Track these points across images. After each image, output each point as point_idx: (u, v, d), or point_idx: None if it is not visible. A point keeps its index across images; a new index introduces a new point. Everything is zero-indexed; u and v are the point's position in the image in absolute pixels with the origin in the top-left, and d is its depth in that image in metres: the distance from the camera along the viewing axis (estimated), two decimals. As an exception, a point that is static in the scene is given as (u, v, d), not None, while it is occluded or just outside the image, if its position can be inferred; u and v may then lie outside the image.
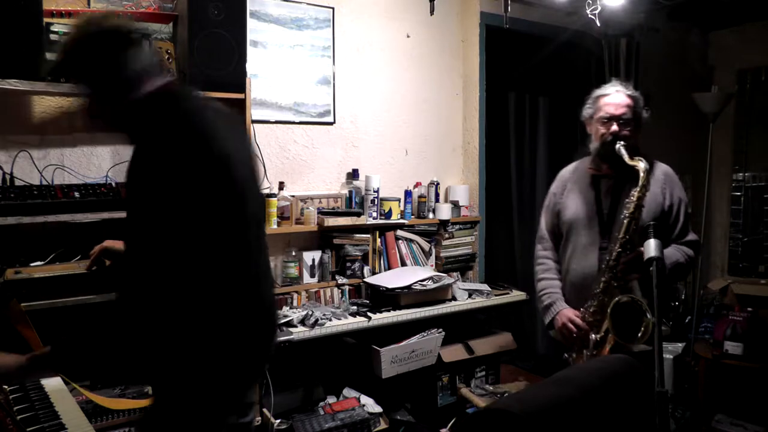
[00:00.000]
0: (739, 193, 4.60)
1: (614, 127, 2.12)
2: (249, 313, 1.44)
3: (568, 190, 2.30)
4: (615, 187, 2.17)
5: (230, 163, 1.36)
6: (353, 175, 3.36)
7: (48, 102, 2.51)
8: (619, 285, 2.04)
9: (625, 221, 2.03)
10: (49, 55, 2.18)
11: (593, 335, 2.08)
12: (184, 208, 1.27)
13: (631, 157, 2.06)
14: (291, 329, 2.69)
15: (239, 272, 1.40)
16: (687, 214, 2.17)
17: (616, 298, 1.98)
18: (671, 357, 3.73)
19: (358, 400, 2.94)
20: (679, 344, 3.88)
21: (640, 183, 2.03)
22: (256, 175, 1.54)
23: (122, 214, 1.34)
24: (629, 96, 2.16)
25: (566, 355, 2.21)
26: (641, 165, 2.03)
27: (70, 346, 1.33)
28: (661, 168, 2.20)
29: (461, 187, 3.73)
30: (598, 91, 2.23)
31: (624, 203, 2.07)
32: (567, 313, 2.18)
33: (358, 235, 3.21)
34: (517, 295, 3.52)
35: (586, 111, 2.25)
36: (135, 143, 1.36)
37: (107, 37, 1.38)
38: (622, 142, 2.09)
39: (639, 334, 1.90)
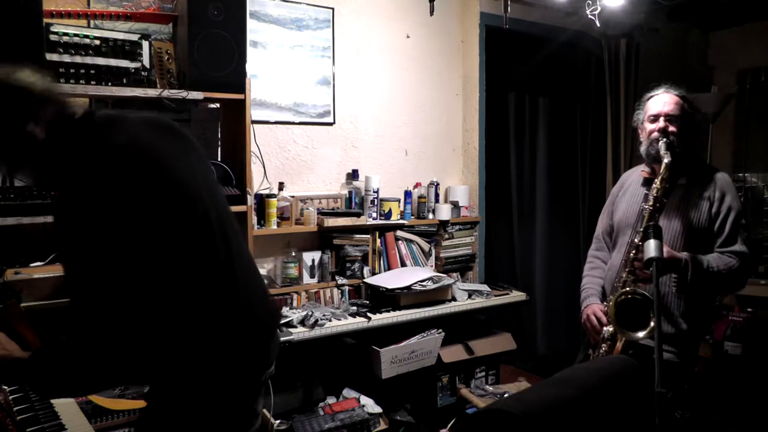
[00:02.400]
0: (738, 194, 4.59)
1: (660, 124, 2.07)
2: (223, 310, 1.39)
3: (623, 192, 2.28)
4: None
5: (160, 165, 1.31)
6: (353, 175, 3.36)
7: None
8: (638, 279, 2.01)
9: (646, 214, 1.98)
10: (49, 56, 2.17)
11: (606, 327, 2.07)
12: (123, 224, 1.23)
13: (666, 152, 2.01)
14: (291, 330, 2.69)
15: (199, 266, 1.35)
16: (738, 224, 2.05)
17: (624, 290, 1.98)
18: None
19: (358, 400, 2.94)
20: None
21: (660, 176, 1.99)
22: (200, 173, 1.43)
23: None
24: (678, 95, 2.11)
25: (590, 352, 2.18)
26: (665, 159, 2.00)
27: (41, 362, 1.29)
28: (716, 175, 2.14)
29: (461, 187, 3.73)
30: (647, 94, 2.18)
31: (648, 196, 2.02)
32: (593, 308, 2.17)
33: (357, 236, 3.21)
34: (517, 295, 3.52)
35: (636, 116, 2.20)
36: (58, 187, 1.31)
37: None
38: (665, 139, 2.03)
39: (643, 331, 1.89)
